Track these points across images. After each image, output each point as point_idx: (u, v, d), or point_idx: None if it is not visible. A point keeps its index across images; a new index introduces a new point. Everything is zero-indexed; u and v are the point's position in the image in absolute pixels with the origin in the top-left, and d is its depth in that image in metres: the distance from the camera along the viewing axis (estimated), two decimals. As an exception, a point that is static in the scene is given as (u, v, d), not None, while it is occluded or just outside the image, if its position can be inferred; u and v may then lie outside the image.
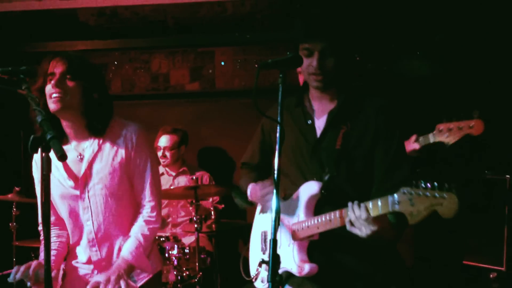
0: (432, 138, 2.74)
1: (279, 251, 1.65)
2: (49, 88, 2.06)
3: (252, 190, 2.13)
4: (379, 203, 1.73)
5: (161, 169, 4.18)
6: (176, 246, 3.37)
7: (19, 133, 4.67)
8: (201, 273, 3.27)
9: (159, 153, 4.12)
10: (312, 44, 1.95)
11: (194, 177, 3.45)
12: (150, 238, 2.19)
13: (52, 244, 2.21)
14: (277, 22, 4.40)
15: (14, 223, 3.70)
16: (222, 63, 4.66)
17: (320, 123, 2.04)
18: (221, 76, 4.66)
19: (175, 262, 3.32)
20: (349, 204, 1.80)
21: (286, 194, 2.10)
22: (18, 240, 3.68)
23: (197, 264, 3.29)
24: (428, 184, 1.64)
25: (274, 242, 1.61)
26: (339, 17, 2.02)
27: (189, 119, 4.65)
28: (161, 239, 3.39)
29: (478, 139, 2.61)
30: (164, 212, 4.00)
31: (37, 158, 2.22)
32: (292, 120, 2.10)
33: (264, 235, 2.18)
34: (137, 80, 4.74)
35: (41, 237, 2.22)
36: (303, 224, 1.95)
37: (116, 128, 2.19)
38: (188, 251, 3.43)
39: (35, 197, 2.28)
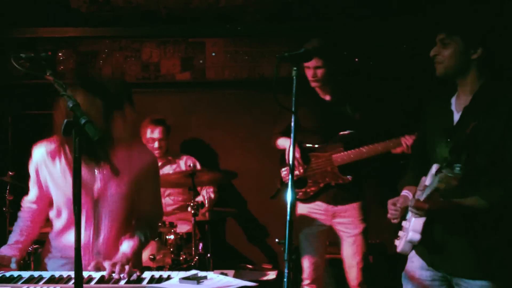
0: None
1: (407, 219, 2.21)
2: None
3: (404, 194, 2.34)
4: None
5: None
6: (172, 231, 3.47)
7: (7, 119, 4.66)
8: (197, 258, 3.37)
9: (153, 145, 4.15)
10: None
11: (191, 164, 3.53)
12: (149, 240, 2.40)
13: (25, 225, 2.36)
14: (268, 15, 4.51)
15: (9, 208, 3.72)
16: (213, 54, 4.73)
17: (457, 117, 2.17)
18: (212, 66, 4.73)
19: (172, 247, 3.42)
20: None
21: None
22: (11, 225, 3.69)
23: (193, 248, 3.39)
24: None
25: (290, 223, 1.73)
26: None
27: (179, 108, 4.72)
28: (157, 232, 3.47)
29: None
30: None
31: (37, 158, 2.30)
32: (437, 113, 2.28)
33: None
34: (127, 69, 4.76)
35: (20, 213, 2.40)
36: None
37: (131, 144, 2.33)
38: (183, 236, 3.53)
39: (27, 183, 2.39)
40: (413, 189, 2.30)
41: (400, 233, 2.31)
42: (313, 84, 3.29)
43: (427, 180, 2.21)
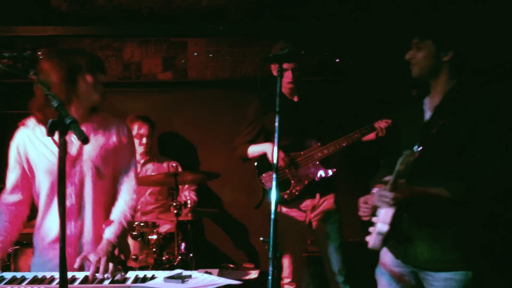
0: None
1: (377, 215, 2.24)
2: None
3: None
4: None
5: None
6: (155, 231, 3.46)
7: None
8: (179, 257, 3.37)
9: (141, 141, 4.17)
10: None
11: (174, 164, 3.54)
12: (131, 222, 2.38)
13: (3, 225, 2.32)
14: (250, 15, 4.53)
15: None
16: (195, 54, 4.73)
17: (428, 115, 2.31)
18: (194, 66, 4.74)
19: (154, 247, 3.41)
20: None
21: None
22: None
23: (176, 248, 3.39)
24: None
25: (275, 222, 1.76)
26: None
27: (161, 108, 4.70)
28: (141, 224, 3.47)
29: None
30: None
31: (18, 136, 2.35)
32: (411, 112, 2.42)
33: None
34: (108, 68, 4.72)
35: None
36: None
37: (109, 117, 2.42)
38: (166, 236, 3.54)
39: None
40: (384, 187, 2.37)
41: (371, 229, 2.39)
42: (288, 86, 3.34)
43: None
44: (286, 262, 3.42)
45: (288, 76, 3.27)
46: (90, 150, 2.32)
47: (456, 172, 2.17)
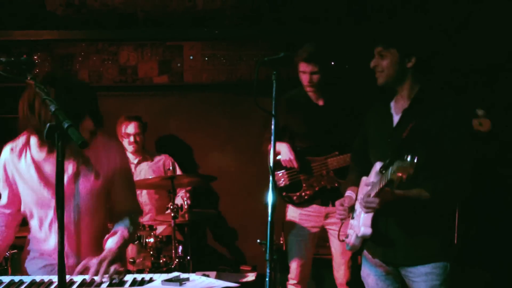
0: None
1: (355, 217, 2.37)
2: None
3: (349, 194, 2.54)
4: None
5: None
6: (152, 234, 3.47)
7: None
8: (177, 260, 3.38)
9: (129, 140, 4.16)
10: None
11: (169, 168, 3.55)
12: (133, 236, 2.39)
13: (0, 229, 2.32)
14: (245, 19, 4.55)
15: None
16: (191, 57, 4.74)
17: (396, 118, 2.39)
18: (190, 70, 4.75)
19: (152, 250, 3.42)
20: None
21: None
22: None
23: (173, 251, 3.40)
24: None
25: (271, 224, 1.77)
26: None
27: (157, 111, 4.72)
28: (138, 227, 3.47)
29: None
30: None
31: (5, 157, 2.28)
32: (377, 116, 2.50)
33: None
34: (104, 72, 4.74)
35: None
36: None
37: (100, 141, 2.29)
38: (163, 239, 3.54)
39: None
40: (356, 190, 2.49)
41: (349, 231, 2.47)
42: (308, 89, 3.29)
43: (372, 177, 2.36)
44: (294, 264, 3.40)
45: (305, 79, 3.23)
46: (81, 182, 2.26)
47: (429, 172, 2.23)
